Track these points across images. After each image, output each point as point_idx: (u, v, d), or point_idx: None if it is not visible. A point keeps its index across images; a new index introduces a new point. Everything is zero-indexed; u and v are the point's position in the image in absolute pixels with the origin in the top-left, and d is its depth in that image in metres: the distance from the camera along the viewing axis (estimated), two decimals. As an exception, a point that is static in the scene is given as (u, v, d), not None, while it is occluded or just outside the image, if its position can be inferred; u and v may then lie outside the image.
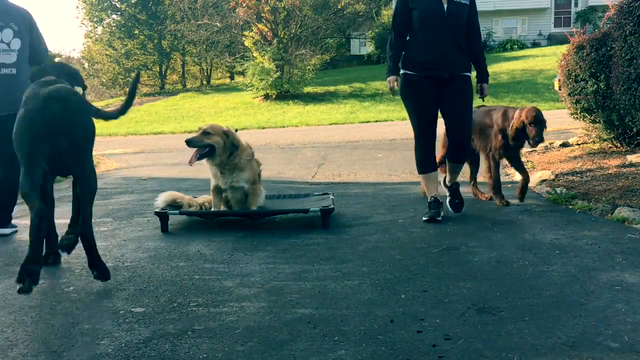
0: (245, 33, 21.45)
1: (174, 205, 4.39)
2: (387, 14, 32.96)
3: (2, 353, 2.15)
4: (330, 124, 14.49)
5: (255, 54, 20.32)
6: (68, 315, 2.53)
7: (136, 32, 31.75)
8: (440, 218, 4.14)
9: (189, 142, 4.17)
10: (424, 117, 4.18)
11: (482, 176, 4.84)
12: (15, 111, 3.13)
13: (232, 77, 34.06)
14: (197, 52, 30.62)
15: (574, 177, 5.35)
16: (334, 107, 18.42)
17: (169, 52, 32.58)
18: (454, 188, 4.44)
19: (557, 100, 12.47)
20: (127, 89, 3.11)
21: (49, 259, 3.30)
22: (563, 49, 7.58)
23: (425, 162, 4.27)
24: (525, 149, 6.99)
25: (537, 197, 4.88)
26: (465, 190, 4.85)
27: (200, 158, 4.17)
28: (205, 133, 4.16)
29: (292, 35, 21.35)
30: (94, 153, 9.38)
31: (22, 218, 4.84)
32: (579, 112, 6.55)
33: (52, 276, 3.11)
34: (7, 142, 3.17)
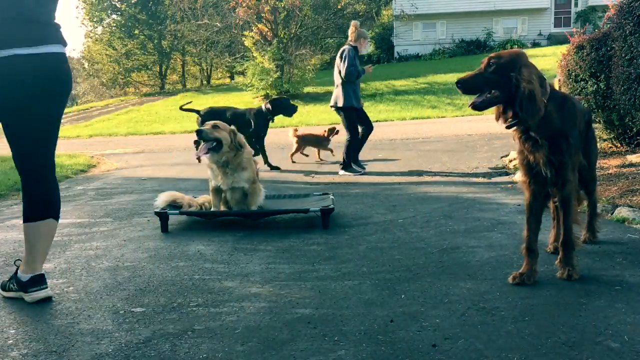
0: (245, 33, 21.45)
1: (174, 205, 4.40)
2: (387, 14, 33.01)
3: (2, 353, 2.15)
4: (330, 124, 14.45)
5: (255, 54, 20.32)
6: (68, 315, 2.52)
7: (136, 32, 31.76)
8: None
9: (200, 132, 4.13)
10: None
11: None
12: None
13: (232, 77, 34.06)
14: (197, 52, 30.64)
15: (574, 177, 5.34)
16: (334, 107, 18.38)
17: (169, 52, 32.59)
18: None
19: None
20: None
21: None
22: (563, 49, 7.58)
23: None
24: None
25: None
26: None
27: (207, 152, 4.14)
28: (215, 127, 4.17)
29: (292, 35, 21.35)
30: (94, 153, 9.28)
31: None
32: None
33: (53, 276, 3.11)
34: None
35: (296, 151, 8.29)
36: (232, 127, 4.26)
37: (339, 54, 6.82)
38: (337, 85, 6.81)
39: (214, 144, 4.11)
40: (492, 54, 2.61)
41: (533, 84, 2.46)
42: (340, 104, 6.78)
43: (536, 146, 2.62)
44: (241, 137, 4.27)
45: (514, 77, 2.49)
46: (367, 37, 7.08)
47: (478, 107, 2.59)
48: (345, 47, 6.79)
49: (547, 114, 2.55)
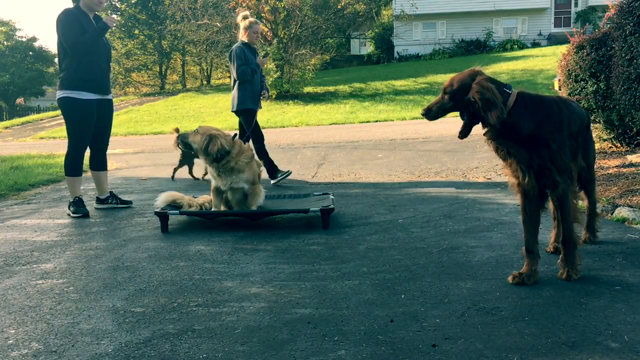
0: (246, 33, 21.43)
1: (174, 205, 4.40)
2: (387, 14, 33.01)
3: (2, 353, 2.15)
4: (330, 124, 14.49)
5: (255, 54, 20.31)
6: (68, 315, 2.52)
7: (136, 32, 31.78)
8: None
9: (178, 137, 4.55)
10: None
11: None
12: None
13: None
14: (197, 52, 30.63)
15: (574, 177, 5.34)
16: (334, 107, 18.42)
17: (169, 52, 32.60)
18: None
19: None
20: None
21: None
22: (563, 49, 7.59)
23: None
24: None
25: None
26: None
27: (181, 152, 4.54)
28: (195, 131, 4.35)
29: (292, 35, 21.35)
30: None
31: (22, 218, 4.84)
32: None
33: (53, 276, 3.11)
34: None
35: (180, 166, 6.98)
36: (214, 132, 4.23)
37: (228, 57, 6.41)
38: (233, 88, 6.31)
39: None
40: (445, 83, 2.72)
41: (484, 93, 2.51)
42: (234, 107, 6.28)
43: (507, 153, 2.68)
44: (224, 142, 4.19)
45: (471, 98, 2.56)
46: (254, 26, 6.28)
47: (461, 136, 2.73)
48: (233, 47, 6.28)
49: (513, 120, 2.58)
